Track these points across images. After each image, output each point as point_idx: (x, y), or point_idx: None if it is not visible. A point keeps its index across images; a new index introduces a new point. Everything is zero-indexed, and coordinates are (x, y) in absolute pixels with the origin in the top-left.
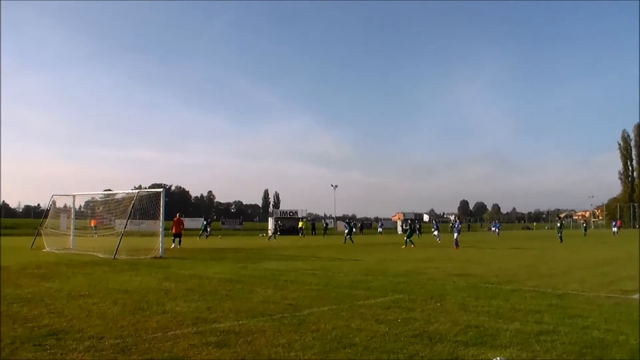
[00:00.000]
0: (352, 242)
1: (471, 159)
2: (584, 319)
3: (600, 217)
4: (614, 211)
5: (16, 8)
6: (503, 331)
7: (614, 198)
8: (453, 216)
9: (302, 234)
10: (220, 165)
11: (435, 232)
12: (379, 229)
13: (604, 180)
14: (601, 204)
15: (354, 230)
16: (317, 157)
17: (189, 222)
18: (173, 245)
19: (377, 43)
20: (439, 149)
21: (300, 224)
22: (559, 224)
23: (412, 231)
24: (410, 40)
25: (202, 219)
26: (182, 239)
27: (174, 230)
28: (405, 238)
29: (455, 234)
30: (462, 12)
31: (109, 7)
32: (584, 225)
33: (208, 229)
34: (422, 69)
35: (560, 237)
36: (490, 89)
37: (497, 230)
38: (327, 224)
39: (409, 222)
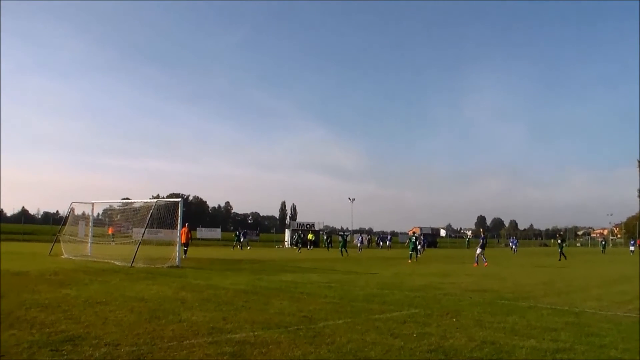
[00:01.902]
0: (347, 254)
1: (488, 172)
2: (601, 338)
3: (619, 235)
4: (632, 229)
5: (34, 17)
6: (519, 348)
7: (633, 216)
8: (470, 232)
9: (310, 246)
10: (237, 176)
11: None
12: (387, 243)
13: (623, 198)
14: (620, 222)
15: (363, 243)
16: (333, 169)
17: (206, 232)
18: (184, 256)
19: (392, 54)
20: (455, 162)
21: (309, 236)
22: (559, 241)
23: (415, 245)
24: (425, 50)
25: (237, 230)
26: (189, 248)
27: (182, 240)
28: (409, 252)
29: (479, 250)
30: (477, 20)
31: (129, 18)
32: (603, 242)
33: (242, 240)
34: (438, 79)
35: (561, 253)
36: (507, 100)
37: (514, 246)
38: (329, 237)
39: (412, 237)
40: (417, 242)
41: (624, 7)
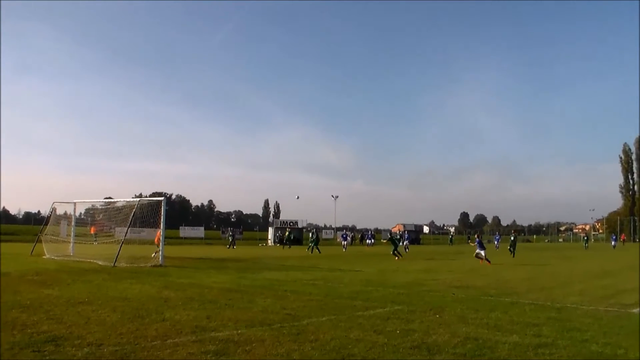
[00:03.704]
0: (320, 252)
1: (472, 168)
2: (582, 333)
3: (601, 231)
4: (614, 224)
5: (19, 17)
6: (502, 344)
7: (615, 211)
8: (453, 228)
9: (289, 245)
10: (220, 175)
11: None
12: (368, 241)
13: (605, 193)
14: (602, 217)
15: (347, 241)
16: (318, 167)
17: (189, 231)
18: (154, 254)
19: (378, 50)
20: (441, 159)
21: (286, 234)
22: (512, 238)
23: (396, 242)
24: (411, 46)
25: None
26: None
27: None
28: (392, 252)
29: (483, 251)
30: (464, 17)
31: (111, 18)
32: (585, 238)
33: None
34: (424, 77)
35: (512, 251)
36: (492, 96)
37: (497, 242)
38: (291, 234)
39: (389, 234)
40: (400, 239)
41: (606, 5)
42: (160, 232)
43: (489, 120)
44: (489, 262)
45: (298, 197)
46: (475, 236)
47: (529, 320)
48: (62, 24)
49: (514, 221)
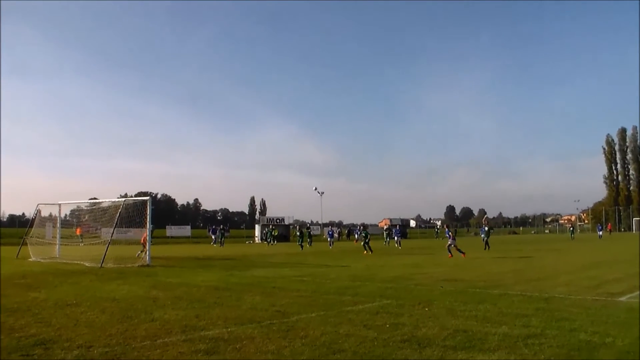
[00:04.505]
0: (309, 245)
1: (457, 164)
2: (571, 322)
3: (586, 221)
4: (599, 215)
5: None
6: (491, 335)
7: (599, 202)
8: (439, 222)
9: (271, 242)
10: (206, 174)
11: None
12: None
13: (589, 185)
14: (587, 208)
15: (334, 237)
16: (303, 165)
17: (175, 230)
18: (138, 254)
19: (361, 49)
20: (425, 155)
21: (274, 232)
22: (486, 228)
23: (367, 237)
24: (395, 45)
25: (216, 228)
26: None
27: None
28: (362, 244)
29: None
30: (445, 13)
31: (91, 18)
32: (571, 229)
33: (219, 236)
34: (406, 73)
35: (486, 242)
36: (474, 93)
37: (484, 235)
38: (274, 231)
39: (360, 227)
40: (388, 233)
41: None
42: (147, 232)
43: (472, 118)
44: (464, 253)
45: (317, 189)
46: (445, 227)
47: (518, 312)
48: (43, 25)
49: (500, 213)
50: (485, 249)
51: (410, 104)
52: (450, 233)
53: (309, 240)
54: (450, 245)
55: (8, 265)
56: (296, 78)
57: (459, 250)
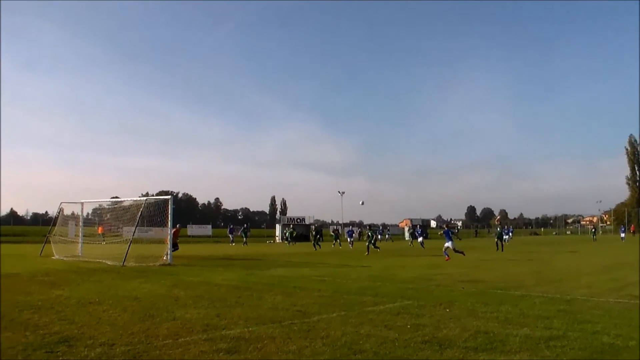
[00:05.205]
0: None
1: (477, 164)
2: (593, 325)
3: (608, 222)
4: (621, 216)
5: (18, 11)
6: (512, 337)
7: (622, 203)
8: (460, 222)
9: (292, 242)
10: (227, 173)
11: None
12: (387, 236)
13: (612, 185)
14: (609, 209)
15: (353, 237)
16: (323, 164)
17: (196, 229)
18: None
19: (379, 48)
20: (445, 155)
21: (292, 232)
22: (499, 229)
23: (373, 237)
24: (413, 44)
25: (234, 227)
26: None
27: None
28: (367, 244)
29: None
30: (464, 14)
31: (114, 13)
32: (593, 230)
33: (233, 236)
34: (426, 73)
35: (497, 244)
36: (494, 92)
37: (506, 236)
38: (317, 232)
39: (368, 227)
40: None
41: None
42: (174, 231)
43: (491, 118)
44: (463, 254)
45: (362, 203)
46: (444, 226)
47: (539, 313)
48: (63, 20)
49: (521, 214)
50: (497, 249)
51: (431, 103)
52: (451, 234)
53: (337, 241)
54: (448, 247)
55: (32, 262)
56: (316, 77)
57: (457, 251)
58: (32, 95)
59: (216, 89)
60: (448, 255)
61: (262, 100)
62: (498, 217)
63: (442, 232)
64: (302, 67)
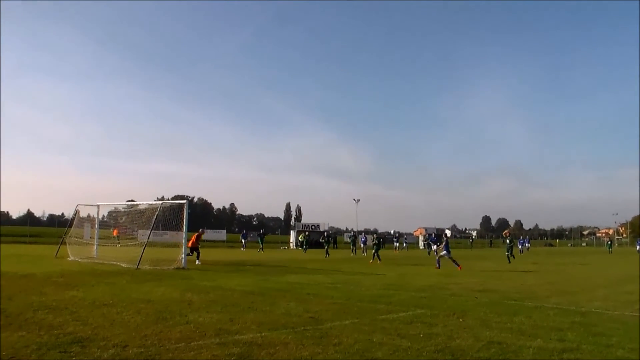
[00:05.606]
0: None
1: (492, 173)
2: (608, 338)
3: (625, 235)
4: (638, 229)
5: (41, 19)
6: (526, 348)
7: (638, 215)
8: (475, 232)
9: (304, 249)
10: (242, 178)
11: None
12: (404, 244)
13: (628, 197)
14: (625, 222)
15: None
16: (338, 171)
17: (211, 234)
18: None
19: (397, 57)
20: (460, 163)
21: (300, 238)
22: (508, 240)
23: (379, 245)
24: (430, 53)
25: (247, 232)
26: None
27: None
28: (373, 252)
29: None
30: (481, 24)
31: (133, 22)
32: (609, 242)
33: (245, 242)
34: (441, 83)
35: (508, 256)
36: (510, 101)
37: (521, 246)
38: (329, 238)
39: (375, 236)
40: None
41: (624, 8)
42: (195, 236)
43: (506, 126)
44: (459, 266)
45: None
46: (443, 236)
47: (553, 325)
48: (83, 25)
49: (536, 225)
50: (509, 263)
51: (446, 112)
52: (447, 242)
53: (352, 247)
54: (443, 255)
55: (47, 263)
56: (332, 85)
57: (454, 261)
58: (51, 100)
59: (235, 96)
60: (439, 265)
61: (280, 106)
62: (507, 231)
63: (443, 242)
64: (321, 73)
